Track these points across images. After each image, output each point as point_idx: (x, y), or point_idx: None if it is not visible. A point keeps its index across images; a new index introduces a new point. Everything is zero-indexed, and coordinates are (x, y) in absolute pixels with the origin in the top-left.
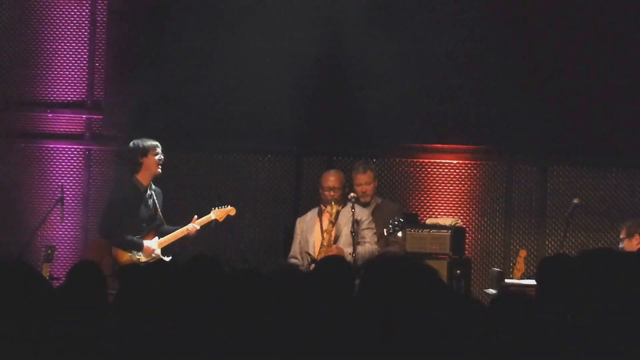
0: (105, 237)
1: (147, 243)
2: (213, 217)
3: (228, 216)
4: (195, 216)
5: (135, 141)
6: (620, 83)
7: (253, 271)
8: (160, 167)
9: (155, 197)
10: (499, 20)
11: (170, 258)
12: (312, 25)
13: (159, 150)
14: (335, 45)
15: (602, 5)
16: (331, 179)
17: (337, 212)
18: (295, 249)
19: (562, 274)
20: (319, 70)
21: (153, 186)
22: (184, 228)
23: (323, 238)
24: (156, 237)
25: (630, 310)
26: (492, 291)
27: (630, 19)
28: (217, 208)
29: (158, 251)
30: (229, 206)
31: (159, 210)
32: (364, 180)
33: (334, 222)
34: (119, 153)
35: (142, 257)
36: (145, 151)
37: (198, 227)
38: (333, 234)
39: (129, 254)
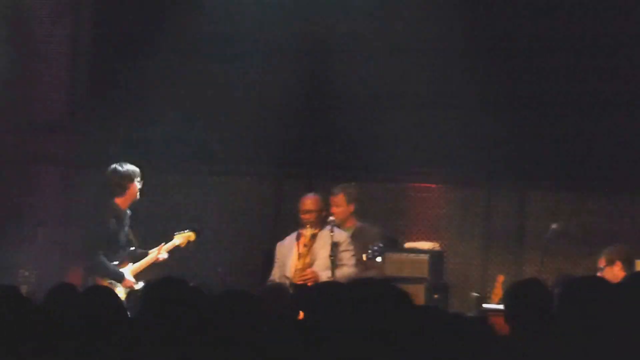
0: (85, 263)
1: (126, 275)
2: (177, 243)
3: (189, 241)
4: (163, 243)
5: (121, 165)
6: (599, 110)
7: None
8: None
9: (128, 222)
10: (478, 47)
11: (141, 285)
12: (294, 49)
13: (140, 177)
14: (317, 68)
15: (579, 33)
16: (307, 202)
17: (313, 236)
18: (275, 273)
19: (531, 298)
20: (300, 93)
21: (128, 211)
22: (153, 256)
23: (299, 261)
24: (130, 264)
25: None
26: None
27: (605, 48)
28: (179, 233)
29: (133, 280)
30: (188, 231)
31: (132, 235)
32: (334, 203)
33: (308, 246)
34: (104, 175)
35: (119, 287)
36: (133, 177)
37: (166, 256)
38: (308, 258)
39: (107, 282)
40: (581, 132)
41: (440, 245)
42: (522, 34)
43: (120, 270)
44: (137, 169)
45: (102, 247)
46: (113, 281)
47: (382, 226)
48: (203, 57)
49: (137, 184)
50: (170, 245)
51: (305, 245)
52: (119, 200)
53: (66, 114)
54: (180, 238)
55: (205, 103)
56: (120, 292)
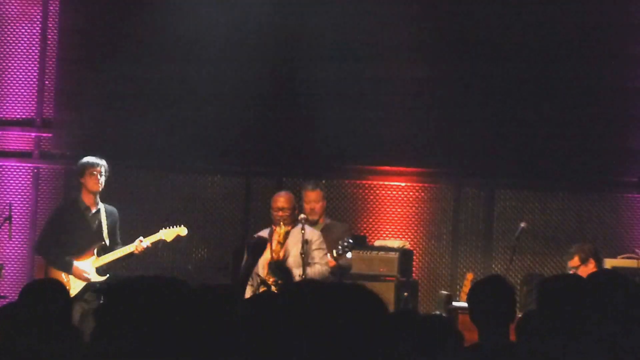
0: (36, 253)
1: (77, 264)
2: (160, 237)
3: (178, 236)
4: (141, 237)
5: (79, 161)
6: (567, 109)
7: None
8: (99, 185)
9: (103, 218)
10: (448, 44)
11: (106, 277)
12: (262, 46)
13: (97, 168)
14: (286, 66)
15: (551, 35)
16: (280, 199)
17: (286, 233)
18: None
19: (494, 296)
20: (269, 91)
21: (102, 206)
22: (128, 247)
23: (272, 258)
24: (93, 257)
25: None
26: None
27: (574, 49)
28: (166, 228)
29: (91, 271)
30: (180, 226)
31: (106, 230)
32: (313, 198)
33: (282, 243)
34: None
35: (72, 278)
36: (83, 171)
37: (149, 245)
38: (281, 254)
39: (62, 274)
40: (548, 131)
41: (409, 243)
42: (491, 33)
43: (74, 260)
44: (90, 161)
45: (50, 240)
46: (65, 272)
47: (351, 224)
48: (171, 54)
49: (90, 176)
50: (153, 237)
51: (279, 243)
52: (83, 195)
53: (35, 111)
54: (167, 233)
55: (173, 100)
56: (72, 281)
